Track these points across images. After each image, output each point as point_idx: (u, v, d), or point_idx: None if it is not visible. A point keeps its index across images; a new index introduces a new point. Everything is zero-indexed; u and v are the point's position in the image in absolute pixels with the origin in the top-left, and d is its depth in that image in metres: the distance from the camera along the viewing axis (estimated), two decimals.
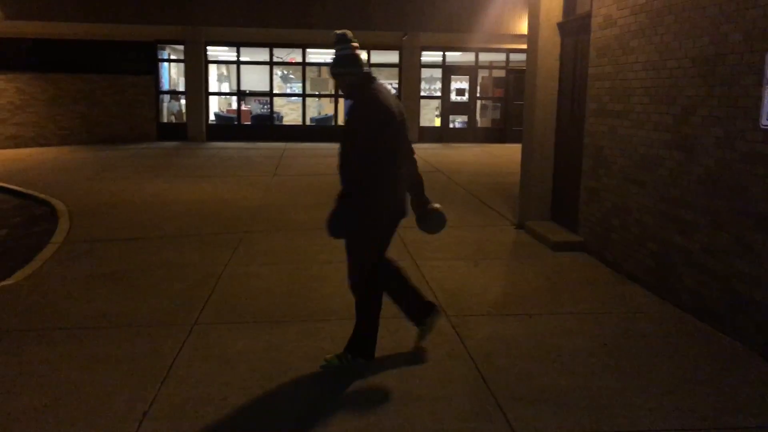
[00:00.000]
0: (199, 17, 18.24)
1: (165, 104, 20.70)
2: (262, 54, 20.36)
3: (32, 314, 5.26)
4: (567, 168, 7.86)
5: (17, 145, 18.16)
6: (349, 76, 4.12)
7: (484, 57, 20.97)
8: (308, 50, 20.56)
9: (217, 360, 4.37)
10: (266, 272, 6.43)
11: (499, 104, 21.28)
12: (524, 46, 8.89)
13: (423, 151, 17.48)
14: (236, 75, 20.63)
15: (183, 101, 20.55)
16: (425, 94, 21.44)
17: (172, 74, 21.24)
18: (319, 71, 22.13)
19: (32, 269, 6.56)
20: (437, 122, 21.61)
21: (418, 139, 20.17)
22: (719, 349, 4.64)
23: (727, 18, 4.86)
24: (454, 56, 21.02)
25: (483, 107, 21.65)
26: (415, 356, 4.45)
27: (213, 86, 21.48)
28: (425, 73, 21.05)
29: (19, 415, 3.64)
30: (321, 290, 5.88)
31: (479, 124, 21.40)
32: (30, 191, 11.05)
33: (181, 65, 20.34)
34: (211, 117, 20.87)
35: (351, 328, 4.92)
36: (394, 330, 4.90)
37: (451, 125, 21.28)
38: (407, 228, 8.21)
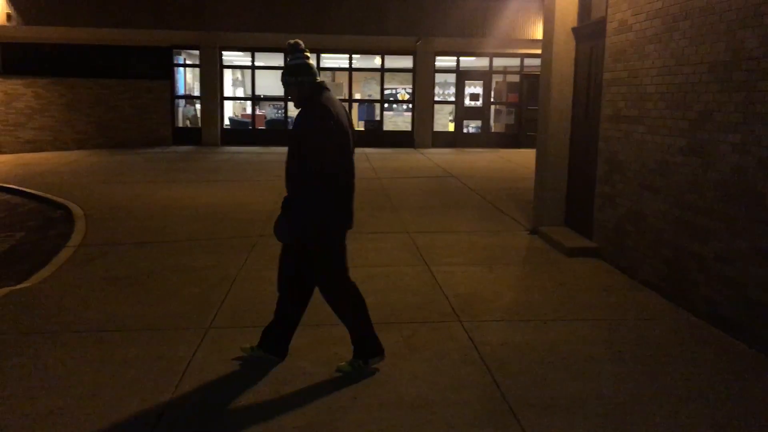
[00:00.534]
0: (214, 23, 18.36)
1: (180, 109, 20.84)
2: (277, 59, 20.45)
3: (49, 317, 5.31)
4: (581, 173, 7.83)
5: (34, 149, 18.34)
6: (301, 85, 4.15)
7: (498, 62, 20.95)
8: (322, 55, 20.64)
9: (232, 364, 4.39)
10: None
11: (513, 109, 21.23)
12: (538, 51, 8.89)
13: (436, 156, 17.51)
14: (251, 80, 20.74)
15: (198, 106, 20.68)
16: (439, 99, 21.44)
17: (188, 79, 21.38)
18: (333, 76, 22.20)
19: (49, 272, 6.62)
20: (451, 127, 21.60)
21: (432, 144, 20.17)
22: (735, 356, 4.60)
23: (743, 23, 4.83)
24: (468, 61, 21.01)
25: (497, 112, 21.61)
26: (429, 361, 4.45)
27: (228, 91, 21.60)
28: (439, 78, 21.06)
29: (37, 417, 3.67)
30: None
31: (493, 129, 21.37)
32: (47, 195, 11.16)
33: (197, 70, 20.48)
34: (226, 122, 20.98)
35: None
36: (408, 335, 4.91)
37: (464, 130, 21.26)
38: (420, 233, 8.25)
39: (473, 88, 21.30)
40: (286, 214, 4.09)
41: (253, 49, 20.19)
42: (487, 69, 20.93)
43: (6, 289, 6.00)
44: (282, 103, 21.04)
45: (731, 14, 4.97)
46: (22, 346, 4.68)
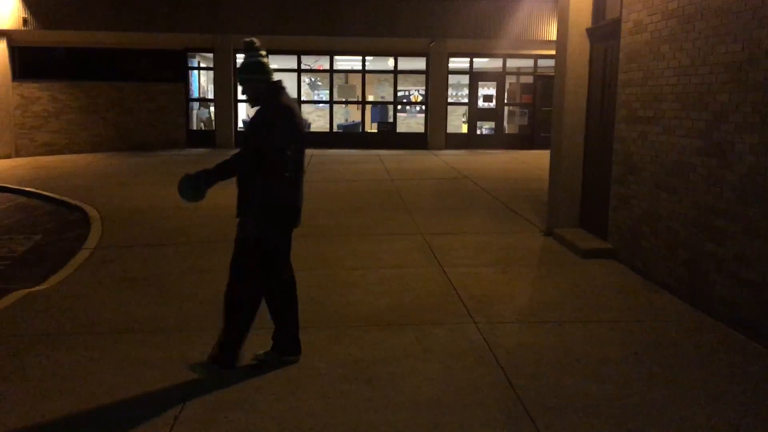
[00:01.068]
0: (228, 25, 18.45)
1: (195, 111, 20.93)
2: (290, 61, 20.51)
3: (66, 318, 5.36)
4: (596, 174, 7.80)
5: (51, 152, 18.51)
6: (256, 83, 4.21)
7: (511, 63, 20.88)
8: (336, 57, 20.67)
9: (247, 365, 4.40)
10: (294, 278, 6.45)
11: (526, 110, 21.15)
12: (552, 52, 8.85)
13: (450, 157, 17.49)
14: None
15: (212, 108, 20.77)
16: (452, 101, 21.40)
17: (202, 82, 21.48)
18: (346, 78, 22.23)
19: (66, 274, 6.68)
20: (464, 129, 21.54)
21: (445, 146, 20.14)
22: (753, 358, 4.56)
23: (760, 23, 4.79)
24: (481, 62, 20.97)
25: (510, 113, 21.54)
26: (443, 363, 4.44)
27: (241, 93, 21.69)
28: (452, 79, 21.02)
29: (53, 417, 3.70)
30: (348, 296, 5.90)
31: (507, 131, 21.30)
32: (63, 197, 11.25)
33: (211, 73, 20.56)
34: (240, 124, 21.06)
35: (380, 335, 4.94)
36: (423, 336, 4.90)
37: (478, 132, 21.21)
38: (434, 235, 8.24)
39: (486, 89, 21.23)
40: (196, 176, 4.13)
41: (266, 52, 20.20)
42: (501, 70, 20.87)
43: (23, 291, 6.06)
44: None
45: (747, 14, 4.93)
46: (39, 347, 4.72)
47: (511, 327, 5.14)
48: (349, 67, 21.54)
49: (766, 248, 4.72)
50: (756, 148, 4.83)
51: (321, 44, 19.55)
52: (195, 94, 20.95)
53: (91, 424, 3.64)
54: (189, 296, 5.91)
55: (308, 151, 17.46)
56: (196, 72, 21.05)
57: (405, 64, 20.77)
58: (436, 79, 20.16)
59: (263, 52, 4.29)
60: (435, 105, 20.22)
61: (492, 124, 21.28)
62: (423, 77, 20.74)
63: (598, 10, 7.92)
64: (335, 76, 21.20)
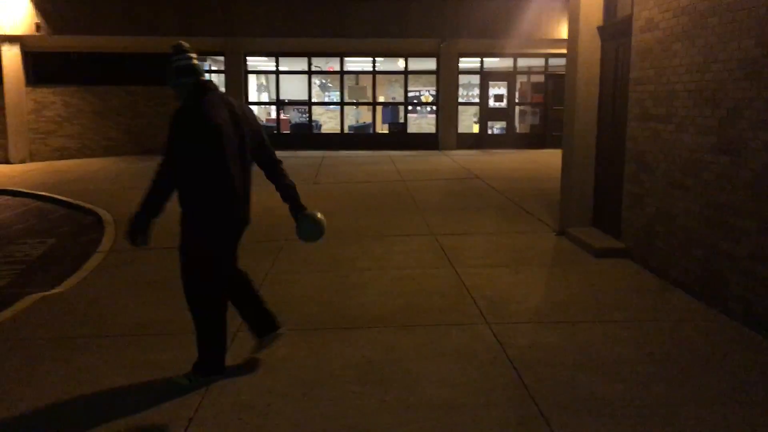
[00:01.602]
0: (239, 29, 18.52)
1: None
2: (301, 63, 20.56)
3: (80, 322, 5.39)
4: (609, 173, 7.76)
5: (63, 157, 18.66)
6: (184, 86, 4.11)
7: (522, 62, 20.83)
8: (346, 59, 20.70)
9: (260, 367, 4.42)
10: (306, 280, 6.48)
11: (538, 110, 21.09)
12: (563, 51, 8.82)
13: (461, 157, 17.46)
14: (275, 84, 20.86)
15: None
16: (463, 101, 21.37)
17: None
18: (357, 79, 22.25)
19: (80, 278, 6.72)
20: (475, 128, 21.50)
21: (457, 146, 20.10)
22: None
23: None
24: (492, 62, 20.92)
25: (522, 113, 21.48)
26: (457, 363, 4.43)
27: (253, 96, 21.75)
28: (463, 79, 20.99)
29: (68, 420, 3.73)
30: (361, 297, 5.90)
31: (518, 130, 21.24)
32: (77, 201, 11.34)
33: (222, 76, 20.65)
34: None
35: (393, 336, 4.94)
36: (436, 337, 4.90)
37: (489, 131, 21.17)
38: (446, 235, 8.23)
39: (497, 89, 21.19)
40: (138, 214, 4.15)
41: (277, 54, 20.31)
42: (512, 69, 20.82)
43: (39, 295, 6.11)
44: (306, 108, 21.14)
45: (761, 10, 4.89)
46: (55, 351, 4.76)
47: (525, 327, 5.13)
48: (359, 69, 21.56)
49: None
50: None
51: (331, 46, 19.58)
52: None
53: (106, 425, 3.66)
54: None
55: (319, 153, 17.58)
56: (207, 75, 21.09)
57: (415, 64, 20.77)
58: (446, 80, 20.13)
59: (193, 55, 4.20)
60: (446, 105, 20.20)
61: (503, 124, 21.23)
62: (433, 77, 20.72)
63: (609, 8, 7.88)
64: (346, 77, 21.23)
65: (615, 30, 7.64)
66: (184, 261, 4.22)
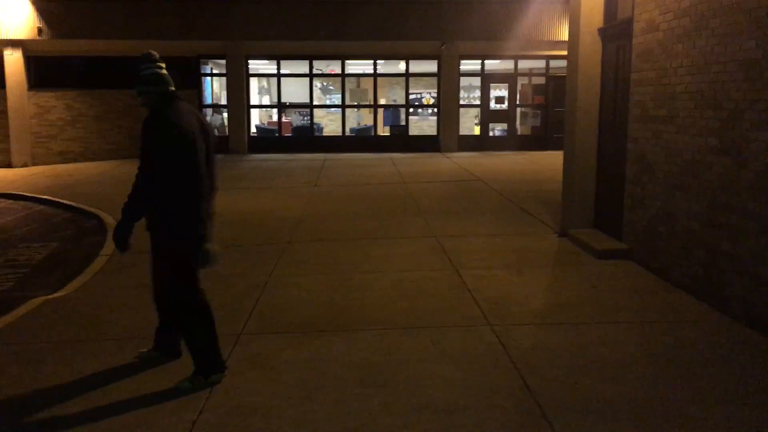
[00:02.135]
0: (240, 32, 18.55)
1: (208, 117, 21.05)
2: (302, 66, 20.58)
3: (83, 325, 5.40)
4: (610, 175, 7.76)
5: (66, 160, 18.69)
6: (151, 95, 4.23)
7: (523, 64, 20.83)
8: (347, 62, 20.71)
9: (263, 370, 4.43)
10: (309, 282, 6.49)
11: (539, 111, 21.09)
12: (564, 53, 8.83)
13: (463, 159, 17.46)
14: (277, 87, 20.88)
15: (225, 114, 20.88)
16: (464, 103, 21.38)
17: (215, 88, 21.60)
18: (358, 82, 22.28)
19: (83, 281, 6.73)
20: (476, 130, 21.50)
21: (458, 148, 20.11)
22: None
23: None
24: (493, 64, 20.93)
25: (523, 115, 21.48)
26: (460, 365, 4.44)
27: (254, 99, 21.77)
28: (464, 81, 21.00)
29: (71, 424, 3.74)
30: (363, 300, 5.91)
31: (519, 132, 21.24)
32: (79, 205, 11.36)
33: (223, 79, 20.69)
34: (253, 129, 21.14)
35: (395, 338, 4.95)
36: (438, 339, 4.90)
37: (490, 133, 21.16)
38: (448, 237, 8.24)
39: (498, 90, 21.19)
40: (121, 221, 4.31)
41: (278, 57, 20.33)
42: (513, 71, 20.82)
43: (42, 298, 6.12)
44: (308, 111, 21.16)
45: (761, 11, 4.90)
46: (58, 354, 4.77)
47: (527, 329, 5.13)
48: (360, 71, 21.58)
49: None
50: None
51: (332, 48, 19.60)
52: (208, 101, 21.07)
53: (110, 429, 3.67)
54: None
55: (320, 156, 17.60)
56: (209, 78, 21.17)
57: (416, 67, 20.78)
58: (447, 82, 20.14)
59: (161, 64, 4.29)
60: (447, 107, 20.20)
61: (504, 126, 21.23)
62: (434, 80, 20.74)
63: (610, 10, 7.89)
64: (347, 80, 21.24)
65: (616, 31, 7.66)
66: (169, 270, 4.28)
